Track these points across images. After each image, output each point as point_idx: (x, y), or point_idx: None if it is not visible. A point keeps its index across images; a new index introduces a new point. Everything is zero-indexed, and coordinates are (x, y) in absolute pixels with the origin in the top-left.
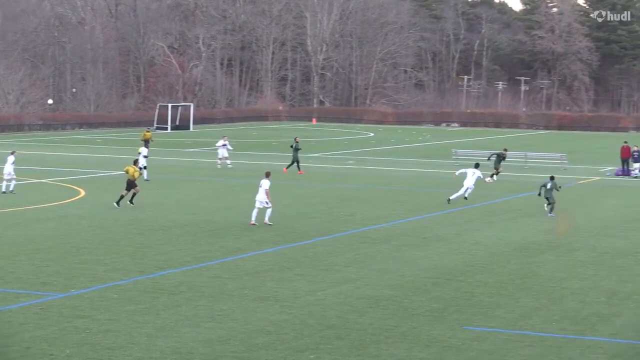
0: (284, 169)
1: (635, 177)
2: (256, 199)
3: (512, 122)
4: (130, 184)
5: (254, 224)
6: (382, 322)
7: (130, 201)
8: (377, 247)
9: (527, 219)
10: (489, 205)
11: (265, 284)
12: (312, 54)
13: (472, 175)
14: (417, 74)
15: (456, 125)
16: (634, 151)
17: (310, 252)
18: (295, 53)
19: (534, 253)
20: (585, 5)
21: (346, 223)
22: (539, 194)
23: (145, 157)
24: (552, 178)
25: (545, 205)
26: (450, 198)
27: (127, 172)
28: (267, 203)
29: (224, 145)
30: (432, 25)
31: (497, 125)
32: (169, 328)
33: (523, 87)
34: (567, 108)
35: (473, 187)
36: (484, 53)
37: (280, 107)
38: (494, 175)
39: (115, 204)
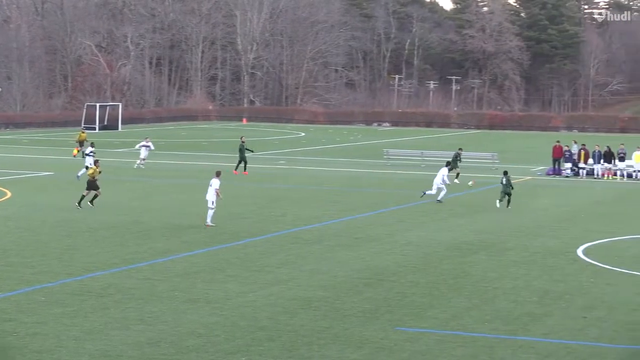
0: (234, 170)
1: (567, 177)
2: (207, 198)
3: (444, 122)
4: (91, 184)
5: (208, 226)
6: (314, 323)
7: (91, 202)
8: (308, 247)
9: (459, 219)
10: (421, 205)
11: (195, 285)
12: (242, 52)
13: (439, 173)
14: (348, 73)
15: (387, 124)
16: (566, 151)
17: (241, 253)
18: (225, 52)
19: (466, 253)
20: (515, 4)
21: (277, 224)
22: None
23: (88, 155)
24: (505, 173)
25: (498, 201)
26: (438, 199)
27: (91, 174)
28: (212, 204)
29: (145, 146)
30: (363, 24)
31: (429, 124)
32: (97, 331)
33: (454, 87)
34: (498, 107)
35: (442, 186)
36: (415, 52)
37: (210, 107)
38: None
39: (76, 205)
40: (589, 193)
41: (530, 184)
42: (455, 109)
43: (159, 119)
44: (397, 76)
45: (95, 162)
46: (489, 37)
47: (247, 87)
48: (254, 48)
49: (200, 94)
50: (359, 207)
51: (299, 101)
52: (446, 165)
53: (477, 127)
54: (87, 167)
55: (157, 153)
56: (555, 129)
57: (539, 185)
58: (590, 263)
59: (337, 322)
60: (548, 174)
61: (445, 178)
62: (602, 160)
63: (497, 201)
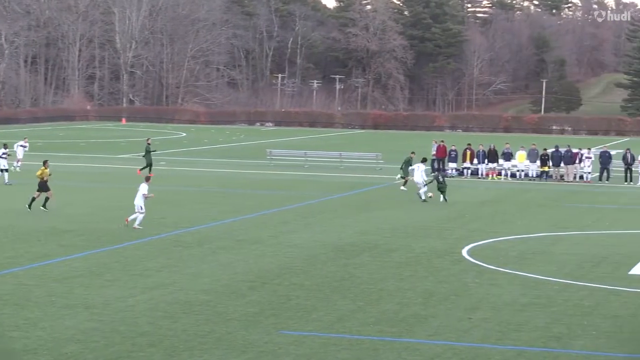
0: (138, 170)
1: (451, 177)
2: (135, 203)
3: (328, 122)
4: (42, 186)
5: (132, 226)
6: (196, 327)
7: (43, 206)
8: (190, 250)
9: (343, 220)
10: (305, 206)
11: (73, 290)
12: (121, 51)
13: (417, 170)
14: (230, 72)
15: (270, 124)
16: (451, 150)
17: (121, 256)
18: (103, 50)
19: (350, 254)
20: (399, 3)
21: (158, 226)
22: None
23: (1, 157)
24: (438, 170)
25: (441, 196)
26: (422, 198)
27: (39, 175)
28: (140, 208)
29: (23, 146)
30: (245, 23)
31: (312, 124)
32: None
33: (338, 86)
34: (383, 107)
35: (423, 184)
36: (298, 51)
37: (89, 107)
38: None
39: (27, 207)
40: (473, 193)
41: (415, 184)
42: (339, 108)
43: (36, 119)
44: (280, 75)
45: (45, 162)
46: (372, 35)
47: (126, 86)
48: (133, 46)
49: (77, 93)
50: (242, 208)
51: (180, 101)
52: (422, 161)
53: (362, 127)
54: (2, 171)
55: (32, 154)
56: (440, 128)
57: None
58: (475, 263)
59: (219, 326)
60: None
61: (424, 174)
62: (486, 160)
63: (441, 196)
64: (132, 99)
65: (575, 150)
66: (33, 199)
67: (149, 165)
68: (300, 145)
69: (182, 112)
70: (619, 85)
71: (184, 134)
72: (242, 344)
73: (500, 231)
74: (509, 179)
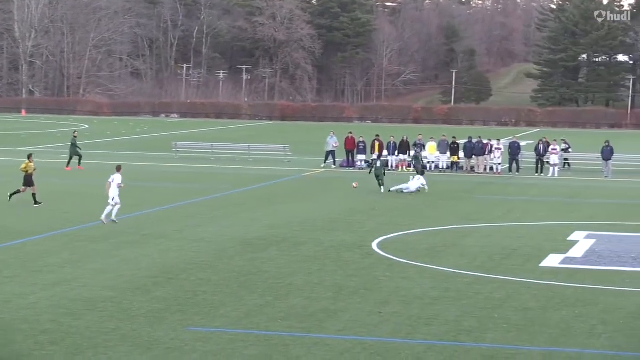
0: (66, 167)
1: (360, 169)
2: (109, 194)
3: (235, 113)
4: (28, 180)
5: (104, 222)
6: (100, 325)
7: (36, 203)
8: (94, 245)
9: (251, 214)
10: (212, 199)
11: None
12: (20, 40)
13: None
14: (133, 62)
15: (176, 116)
16: (360, 142)
17: (20, 252)
18: (1, 40)
19: (258, 249)
20: None
21: (61, 221)
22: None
23: None
24: (379, 157)
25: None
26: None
27: (24, 169)
28: (112, 200)
29: None
30: (149, 11)
31: (219, 116)
32: None
33: (245, 76)
34: (291, 98)
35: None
36: (204, 40)
37: None
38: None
39: (8, 197)
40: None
41: (324, 176)
42: (246, 99)
43: None
44: (185, 65)
45: (29, 156)
46: (280, 25)
47: (25, 77)
48: (33, 35)
49: None
50: (147, 202)
51: (82, 92)
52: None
53: (269, 119)
54: None
55: None
56: (349, 119)
57: (331, 178)
58: (386, 257)
59: (124, 323)
60: (342, 166)
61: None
62: (396, 152)
63: (381, 187)
64: (32, 89)
65: (485, 141)
66: (17, 192)
67: (73, 156)
68: (207, 137)
69: (84, 104)
70: (529, 75)
71: (86, 126)
72: (147, 341)
73: (411, 224)
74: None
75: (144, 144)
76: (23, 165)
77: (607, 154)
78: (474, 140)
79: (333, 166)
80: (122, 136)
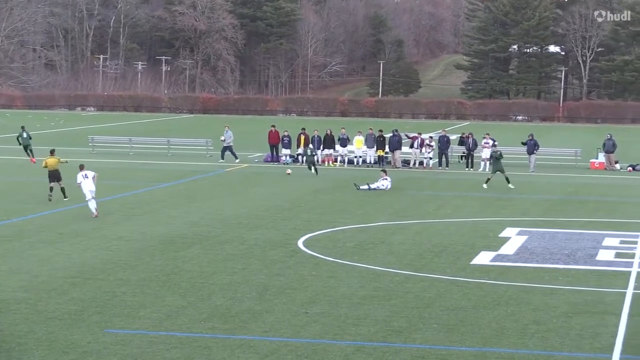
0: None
1: (285, 164)
2: (90, 190)
3: (154, 106)
4: (53, 176)
5: (97, 216)
6: (13, 327)
7: (65, 196)
8: (6, 244)
9: (172, 211)
10: (131, 196)
11: None
12: None
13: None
14: (47, 53)
15: (92, 109)
16: (284, 136)
17: None
18: None
19: (180, 247)
20: None
21: None
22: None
23: None
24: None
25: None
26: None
27: (45, 165)
28: (90, 193)
29: None
30: (63, 0)
31: (138, 109)
32: None
33: (164, 68)
34: (212, 90)
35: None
36: (121, 30)
37: None
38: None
39: (63, 198)
40: (308, 181)
41: (247, 171)
42: (166, 92)
43: None
44: (102, 56)
45: (52, 151)
46: (200, 14)
47: None
48: None
49: None
50: (62, 199)
51: None
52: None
53: (190, 112)
54: None
55: None
56: (273, 112)
57: (255, 173)
58: (312, 255)
59: (39, 326)
60: (266, 161)
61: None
62: (322, 146)
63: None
64: None
65: (412, 135)
66: (51, 189)
67: (25, 147)
68: (125, 131)
69: None
70: (458, 67)
71: None
72: (64, 344)
73: (338, 221)
74: (346, 165)
75: (59, 138)
76: (50, 161)
77: (531, 147)
78: (402, 134)
79: (236, 160)
80: (36, 130)
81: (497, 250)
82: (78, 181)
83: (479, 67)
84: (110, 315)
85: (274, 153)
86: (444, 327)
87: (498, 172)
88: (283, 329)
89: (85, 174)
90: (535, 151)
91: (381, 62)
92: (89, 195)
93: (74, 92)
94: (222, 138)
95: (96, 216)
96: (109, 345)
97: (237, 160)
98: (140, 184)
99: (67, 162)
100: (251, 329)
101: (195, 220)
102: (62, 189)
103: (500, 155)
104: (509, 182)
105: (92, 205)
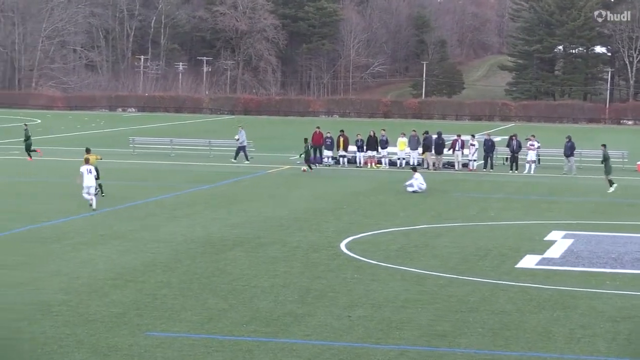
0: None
1: (327, 166)
2: (85, 185)
3: (195, 107)
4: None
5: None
6: (55, 330)
7: (102, 193)
8: (47, 246)
9: (213, 213)
10: (172, 198)
11: None
12: None
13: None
14: (88, 53)
15: (133, 110)
16: (327, 137)
17: None
18: None
19: (221, 249)
20: None
21: (11, 221)
22: None
23: None
24: (306, 140)
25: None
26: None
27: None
28: (90, 189)
29: None
30: (104, 0)
31: (179, 110)
32: None
33: (205, 69)
34: (254, 91)
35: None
36: (162, 31)
37: None
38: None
39: (101, 195)
40: (351, 183)
41: (289, 173)
42: (207, 92)
43: None
44: (142, 57)
45: (88, 150)
46: (241, 14)
47: None
48: None
49: None
50: (103, 201)
51: (34, 84)
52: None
53: (231, 113)
54: None
55: None
56: (315, 113)
57: (297, 175)
58: (354, 258)
59: (80, 328)
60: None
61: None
62: (365, 148)
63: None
64: None
65: (454, 137)
66: (100, 186)
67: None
68: (166, 132)
69: (36, 97)
70: (502, 67)
71: (39, 121)
72: (105, 347)
73: (381, 223)
74: (388, 167)
75: (100, 139)
76: (92, 159)
77: (568, 150)
78: (445, 137)
79: (246, 162)
80: (76, 131)
81: (542, 254)
82: (81, 171)
83: (524, 68)
84: (151, 318)
85: (317, 154)
86: (489, 331)
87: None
88: (325, 333)
89: (90, 169)
90: (572, 153)
91: (424, 62)
92: (85, 190)
93: (115, 93)
94: (237, 137)
95: (94, 209)
96: (150, 348)
97: (248, 162)
98: (181, 186)
99: (101, 158)
100: (293, 332)
101: (237, 223)
102: (100, 186)
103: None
104: (611, 185)
105: (89, 197)
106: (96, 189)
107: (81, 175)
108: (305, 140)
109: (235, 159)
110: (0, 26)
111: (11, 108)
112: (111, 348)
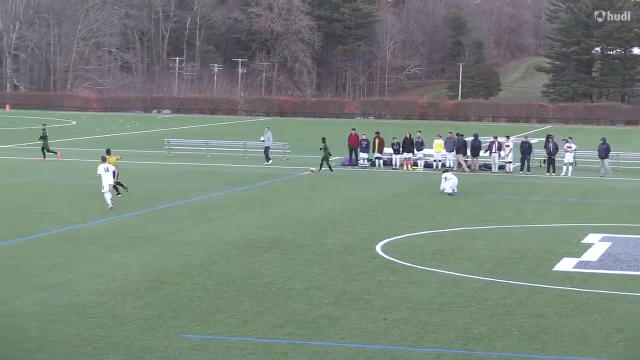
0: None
1: (363, 167)
2: (105, 183)
3: (230, 108)
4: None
5: (112, 208)
6: (89, 332)
7: (124, 188)
8: (82, 248)
9: (248, 214)
10: (206, 199)
11: None
12: (3, 33)
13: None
14: (123, 55)
15: (168, 111)
16: (362, 139)
17: (5, 255)
18: None
19: (256, 251)
20: None
21: (46, 222)
22: None
23: None
24: (324, 140)
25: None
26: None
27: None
28: (106, 187)
29: None
30: (139, 1)
31: (214, 111)
32: None
33: (240, 70)
34: (289, 92)
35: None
36: (197, 32)
37: None
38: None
39: (125, 191)
40: (386, 185)
41: (324, 175)
42: (242, 94)
43: None
44: (177, 58)
45: (108, 151)
46: (277, 16)
47: (9, 70)
48: (17, 27)
49: None
50: (138, 202)
51: (69, 86)
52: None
53: (267, 114)
54: None
55: None
56: (350, 115)
57: (333, 177)
58: (390, 260)
59: (115, 330)
60: (344, 164)
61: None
62: (400, 149)
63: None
64: (16, 84)
65: (491, 139)
66: (119, 184)
67: (44, 149)
68: (201, 134)
69: (71, 99)
70: (539, 69)
71: (74, 122)
72: (140, 349)
73: (416, 225)
74: (423, 169)
75: (135, 141)
76: (112, 159)
77: (603, 152)
78: (481, 139)
79: (265, 163)
80: (111, 133)
81: (579, 257)
82: (99, 172)
83: (561, 70)
84: (186, 320)
85: (353, 156)
86: (526, 335)
87: None
88: (361, 336)
89: (107, 168)
90: (607, 155)
91: (461, 64)
92: (106, 188)
93: (150, 95)
94: (262, 139)
95: (112, 208)
96: (185, 350)
97: (268, 163)
98: (216, 187)
99: (121, 158)
100: (328, 335)
101: (272, 224)
102: (118, 185)
103: None
104: None
105: (108, 197)
106: (110, 189)
107: (99, 175)
108: (323, 140)
109: (267, 161)
110: (35, 28)
111: (46, 109)
112: (146, 350)
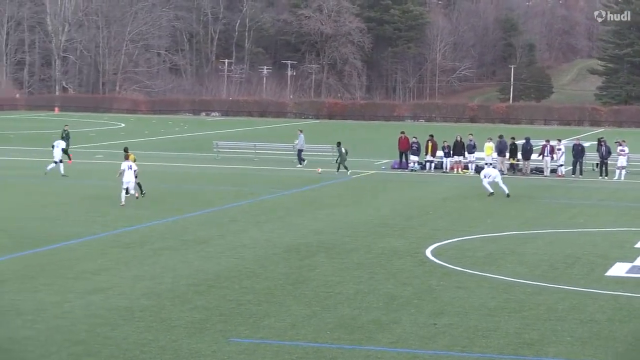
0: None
1: (413, 171)
2: (124, 180)
3: (279, 111)
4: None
5: (123, 205)
6: (137, 335)
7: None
8: (130, 251)
9: (296, 218)
10: (255, 203)
11: (3, 296)
12: (52, 34)
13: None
14: (172, 57)
15: (217, 114)
16: (413, 142)
17: (55, 258)
18: (33, 34)
19: (305, 255)
20: None
21: (95, 225)
22: None
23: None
24: (339, 144)
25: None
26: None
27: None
28: (127, 184)
29: None
30: (188, 4)
31: (263, 114)
32: None
33: (290, 72)
34: (338, 95)
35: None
36: (247, 34)
37: (17, 95)
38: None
39: (141, 194)
40: (437, 188)
41: (374, 178)
42: (292, 96)
43: None
44: (226, 61)
45: (126, 149)
46: (326, 18)
47: (59, 72)
48: (66, 29)
49: (5, 81)
50: (186, 205)
51: (117, 88)
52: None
53: (316, 117)
54: (56, 162)
55: None
56: (400, 118)
57: (383, 180)
58: (440, 264)
59: (163, 334)
60: (393, 168)
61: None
62: (451, 153)
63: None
64: (65, 86)
65: (543, 143)
66: (138, 185)
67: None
68: (250, 136)
69: (120, 101)
70: (592, 71)
71: (123, 125)
72: (188, 353)
73: (467, 230)
74: (473, 172)
75: (183, 143)
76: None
77: None
78: (533, 142)
79: (299, 165)
80: (160, 135)
81: (633, 262)
82: (122, 168)
83: (614, 72)
84: (234, 324)
85: (403, 159)
86: (578, 340)
87: None
88: (411, 340)
89: (130, 165)
90: None
91: (512, 66)
92: (124, 185)
93: (199, 97)
94: (296, 142)
95: (123, 205)
96: (234, 354)
97: (300, 166)
98: (265, 190)
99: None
100: (378, 339)
101: (321, 228)
102: (139, 185)
103: None
104: None
105: (124, 195)
106: (135, 186)
107: (122, 171)
108: (339, 144)
109: (300, 163)
110: (84, 30)
111: (95, 112)
112: (194, 354)
